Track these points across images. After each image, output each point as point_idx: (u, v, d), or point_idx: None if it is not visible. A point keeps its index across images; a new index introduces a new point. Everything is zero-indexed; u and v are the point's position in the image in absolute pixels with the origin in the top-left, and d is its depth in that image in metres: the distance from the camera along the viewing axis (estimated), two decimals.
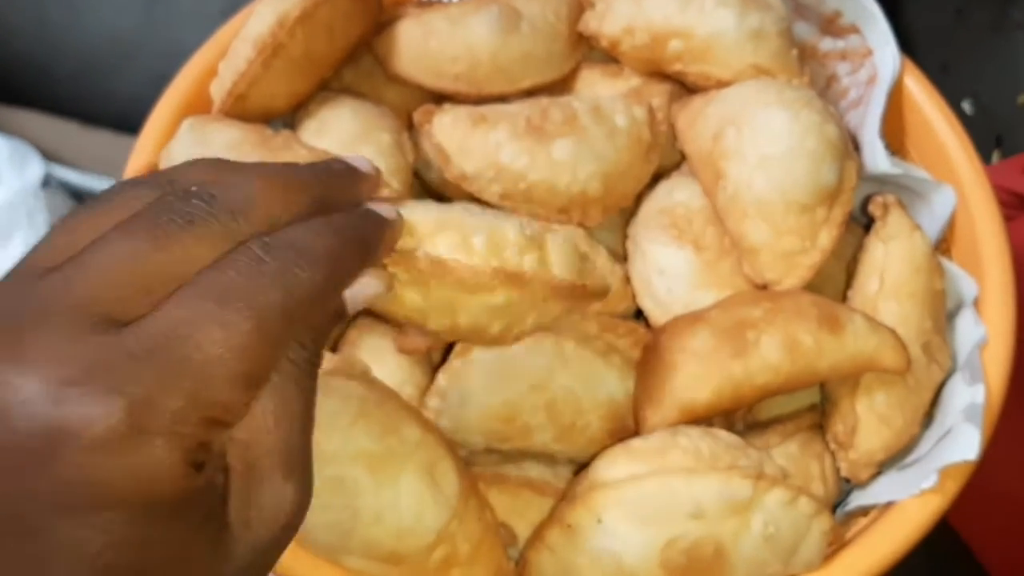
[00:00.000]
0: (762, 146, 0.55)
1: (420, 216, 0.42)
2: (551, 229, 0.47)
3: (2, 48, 1.39)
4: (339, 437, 0.45)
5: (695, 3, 0.62)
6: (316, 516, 0.45)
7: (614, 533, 0.45)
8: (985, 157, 1.14)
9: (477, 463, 0.56)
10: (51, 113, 1.37)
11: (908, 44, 1.23)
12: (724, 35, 0.61)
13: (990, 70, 1.19)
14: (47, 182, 1.34)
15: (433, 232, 0.41)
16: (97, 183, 1.37)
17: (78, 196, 1.37)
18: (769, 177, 0.54)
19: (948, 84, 1.20)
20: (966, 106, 1.17)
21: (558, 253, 0.43)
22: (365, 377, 0.49)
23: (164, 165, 0.58)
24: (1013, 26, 1.23)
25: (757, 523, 0.45)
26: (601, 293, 0.46)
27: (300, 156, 0.55)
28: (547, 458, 0.56)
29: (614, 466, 0.48)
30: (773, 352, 0.50)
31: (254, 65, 0.59)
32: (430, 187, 0.68)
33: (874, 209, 0.57)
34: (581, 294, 0.44)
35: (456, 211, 0.43)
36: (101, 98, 1.49)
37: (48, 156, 1.35)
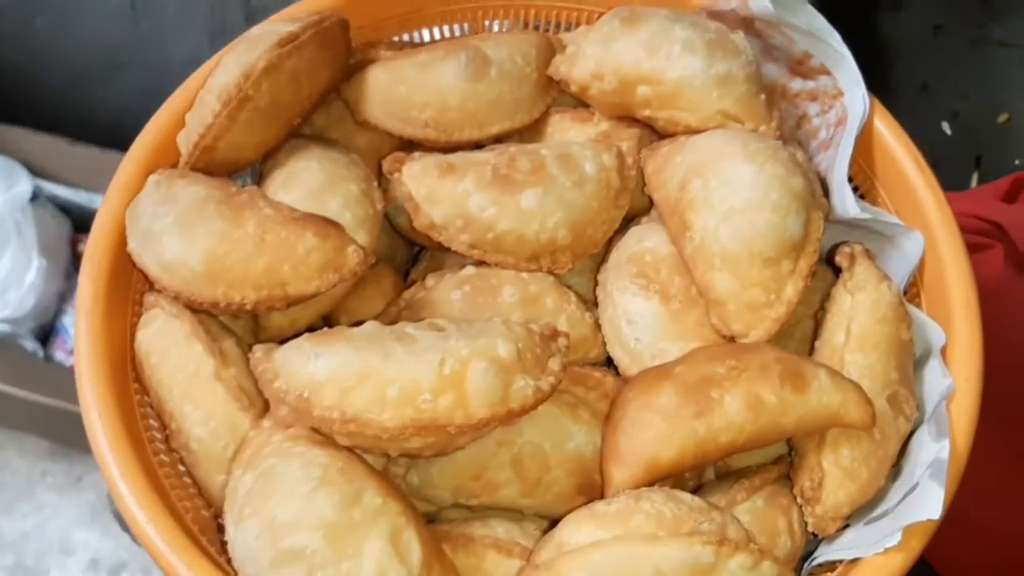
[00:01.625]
0: (727, 198, 0.55)
1: (340, 368, 0.47)
2: (477, 355, 0.48)
3: None
4: (298, 505, 0.45)
5: (663, 49, 0.62)
6: None
7: None
8: (964, 177, 1.14)
9: (445, 519, 0.56)
10: (39, 125, 1.37)
11: (886, 63, 1.24)
12: (691, 81, 0.61)
13: (970, 89, 1.20)
14: (35, 197, 1.34)
15: (351, 387, 0.47)
16: (84, 198, 1.38)
17: (66, 211, 1.38)
18: (734, 229, 0.55)
19: (928, 104, 1.21)
20: (945, 126, 1.17)
21: (478, 388, 0.47)
22: (329, 442, 0.49)
23: (130, 219, 0.58)
24: (993, 43, 1.23)
25: None
26: (532, 407, 0.49)
27: (264, 214, 0.54)
28: (515, 513, 0.56)
29: (579, 531, 0.48)
30: (736, 411, 0.50)
31: (220, 118, 0.59)
32: (401, 232, 0.68)
33: (841, 260, 0.57)
34: (505, 420, 0.48)
35: (376, 355, 0.47)
36: (89, 109, 1.49)
37: (36, 172, 1.36)
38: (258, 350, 0.51)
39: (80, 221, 1.37)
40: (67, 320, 1.36)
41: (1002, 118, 1.17)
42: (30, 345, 1.32)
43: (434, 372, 0.47)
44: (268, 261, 0.53)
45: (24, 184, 1.33)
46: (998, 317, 0.87)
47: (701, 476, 0.59)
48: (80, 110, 1.41)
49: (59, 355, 1.34)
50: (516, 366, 0.49)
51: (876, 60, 1.24)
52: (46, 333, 1.36)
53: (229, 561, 0.49)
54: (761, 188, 0.55)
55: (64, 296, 1.37)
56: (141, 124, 0.63)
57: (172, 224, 0.55)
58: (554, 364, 0.52)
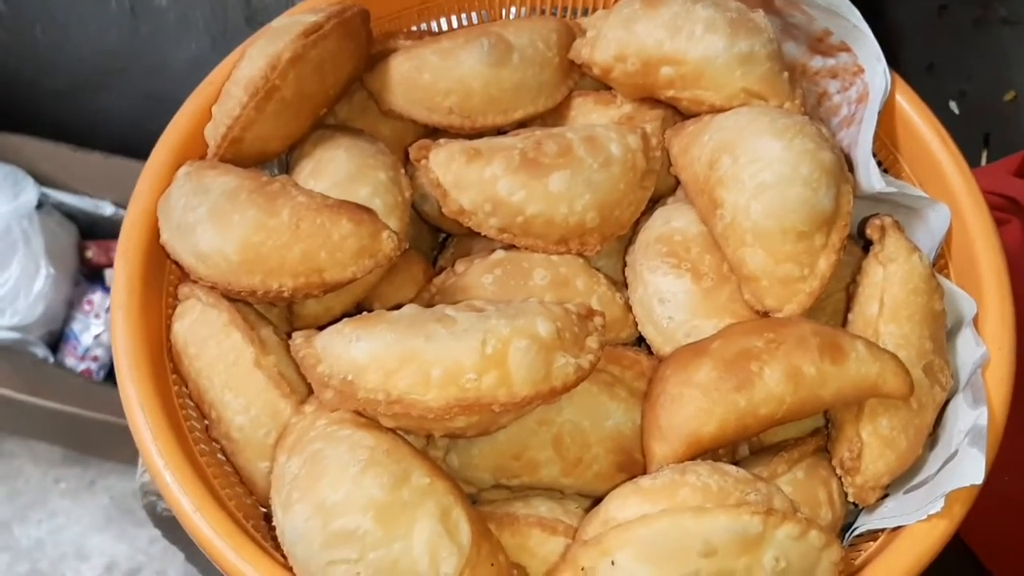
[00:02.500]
0: (757, 174, 0.55)
1: (382, 352, 0.47)
2: (517, 333, 0.49)
3: None
4: (347, 487, 0.45)
5: (685, 29, 0.62)
6: (328, 570, 0.45)
7: (628, 573, 0.45)
8: (974, 156, 1.14)
9: (486, 500, 0.56)
10: (43, 133, 1.37)
11: (892, 44, 1.24)
12: (715, 60, 0.61)
13: (976, 67, 1.20)
14: (41, 205, 1.35)
15: (395, 369, 0.47)
16: (91, 205, 1.38)
17: (72, 217, 1.38)
18: (765, 205, 0.55)
19: (934, 84, 1.21)
20: (953, 106, 1.17)
21: (520, 366, 0.48)
22: (373, 424, 0.49)
23: (162, 212, 0.58)
24: (997, 21, 1.23)
25: (768, 558, 0.45)
26: (574, 384, 0.49)
27: (297, 201, 0.55)
28: (556, 492, 0.56)
29: (625, 506, 0.48)
30: (776, 383, 0.50)
31: (247, 109, 0.59)
32: (428, 219, 0.68)
33: (872, 232, 0.58)
34: (548, 397, 0.48)
35: (419, 338, 0.48)
36: (91, 115, 1.49)
37: (41, 180, 1.36)
38: (298, 336, 0.52)
39: (87, 227, 1.38)
40: (76, 326, 1.36)
41: (1009, 96, 1.17)
42: (40, 352, 1.32)
43: (477, 352, 0.47)
44: (304, 248, 0.53)
45: (30, 192, 1.33)
46: (1018, 290, 0.88)
47: (735, 453, 0.59)
48: (83, 117, 1.41)
49: (69, 361, 1.34)
50: (556, 344, 0.50)
51: (882, 42, 1.24)
52: (56, 340, 1.36)
53: (276, 547, 0.49)
54: (791, 163, 0.55)
55: (73, 303, 1.37)
56: (145, 128, 0.63)
57: (206, 215, 0.55)
58: (592, 342, 0.52)
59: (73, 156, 1.38)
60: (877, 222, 0.58)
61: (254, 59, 0.60)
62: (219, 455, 0.57)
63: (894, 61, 1.28)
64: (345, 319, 0.51)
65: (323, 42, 0.61)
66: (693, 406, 0.51)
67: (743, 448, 0.60)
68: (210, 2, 1.32)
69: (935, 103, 1.22)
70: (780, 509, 0.47)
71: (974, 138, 1.15)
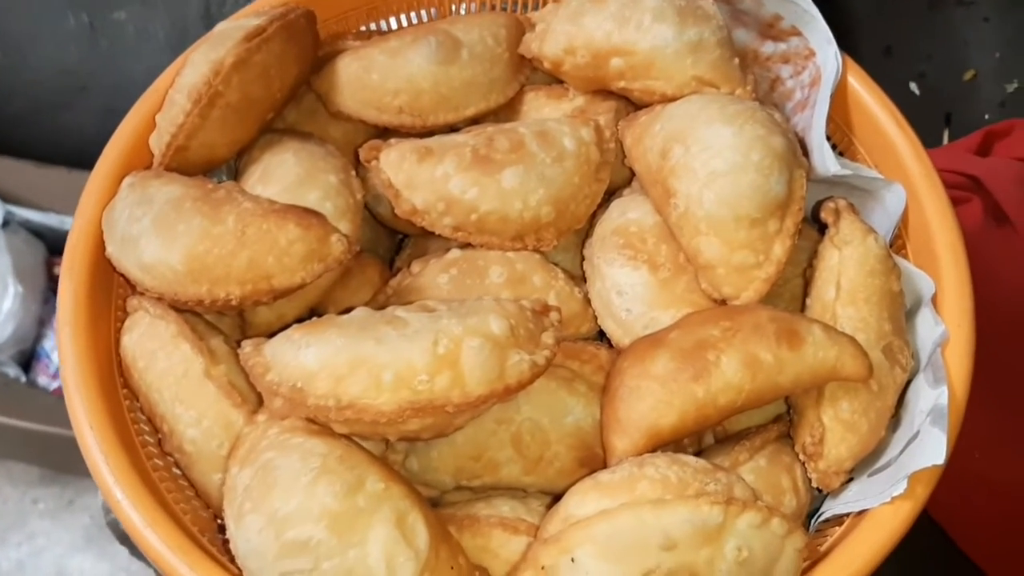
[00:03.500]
0: (709, 162, 0.55)
1: (332, 357, 0.46)
2: (470, 332, 0.48)
3: None
4: (300, 497, 0.44)
5: (633, 19, 0.61)
6: None
7: (588, 570, 0.44)
8: (935, 136, 1.15)
9: (448, 503, 0.55)
10: (5, 152, 1.35)
11: (849, 30, 1.25)
12: (664, 49, 0.61)
13: (934, 49, 1.20)
14: (7, 223, 1.32)
15: (345, 375, 0.46)
16: (57, 221, 1.36)
17: (39, 235, 1.36)
18: (718, 193, 0.54)
19: (894, 67, 1.21)
20: (914, 87, 1.18)
21: (474, 365, 0.47)
22: (326, 431, 0.48)
23: (107, 224, 0.57)
24: (951, 2, 1.24)
25: (730, 548, 0.45)
26: (529, 382, 0.48)
27: (243, 208, 0.54)
28: (519, 492, 0.55)
29: (584, 502, 0.47)
30: (734, 372, 0.50)
31: (191, 116, 0.58)
32: (384, 221, 0.67)
33: (826, 215, 0.57)
34: (503, 396, 0.47)
35: (369, 342, 0.47)
36: (54, 133, 1.47)
37: (6, 198, 1.34)
38: (247, 345, 0.51)
39: (54, 244, 1.35)
40: (48, 344, 1.34)
41: (968, 75, 1.18)
42: (12, 372, 1.30)
43: (428, 353, 0.47)
44: (251, 255, 0.52)
45: None
46: (980, 269, 0.88)
47: (700, 442, 0.59)
48: (45, 135, 1.39)
49: (42, 380, 1.32)
50: (510, 342, 0.49)
51: (837, 27, 1.25)
52: (27, 359, 1.34)
53: (232, 560, 0.48)
54: (742, 150, 0.54)
55: (43, 321, 1.35)
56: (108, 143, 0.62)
57: (150, 225, 0.54)
58: (548, 338, 0.51)
59: (37, 172, 1.36)
60: (831, 205, 0.58)
61: (197, 65, 0.59)
62: (174, 469, 0.56)
63: (852, 46, 1.29)
64: (295, 325, 0.50)
65: (267, 46, 0.60)
66: (652, 398, 0.50)
67: (708, 437, 0.59)
68: (169, 15, 1.31)
69: (895, 85, 1.22)
70: (741, 498, 0.46)
71: (936, 118, 1.15)
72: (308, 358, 0.47)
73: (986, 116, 1.15)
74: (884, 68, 1.21)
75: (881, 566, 0.49)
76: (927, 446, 0.50)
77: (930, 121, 1.16)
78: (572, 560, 0.45)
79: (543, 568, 0.45)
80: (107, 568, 1.36)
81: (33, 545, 1.36)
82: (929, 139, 1.15)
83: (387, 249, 0.71)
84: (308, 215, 0.54)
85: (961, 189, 0.91)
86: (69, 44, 1.28)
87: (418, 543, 0.45)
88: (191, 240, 0.53)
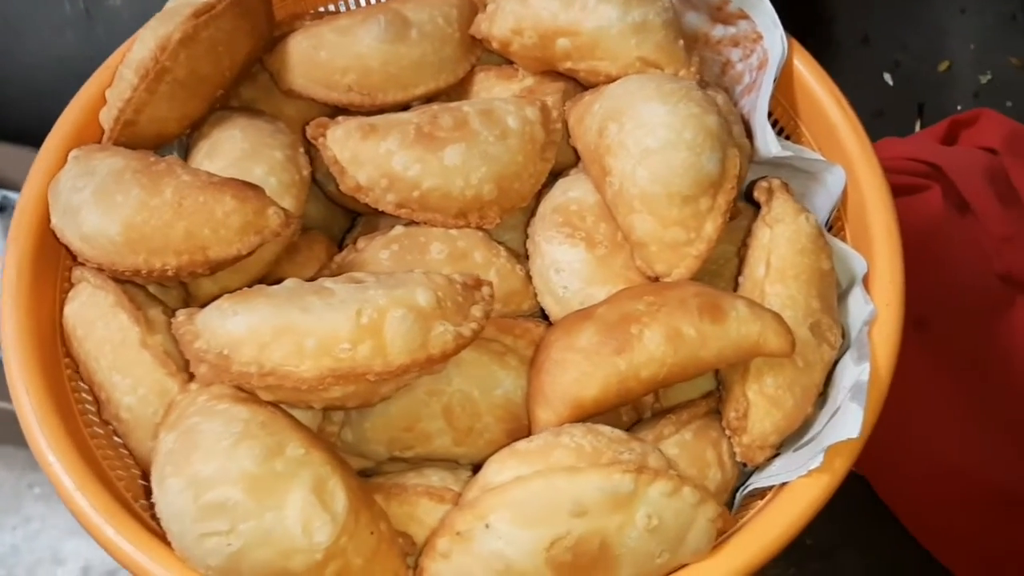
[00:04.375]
0: (642, 140, 0.55)
1: (258, 324, 0.47)
2: (395, 303, 0.49)
3: None
4: (219, 460, 0.45)
5: (579, 1, 0.62)
6: (202, 543, 0.45)
7: (501, 536, 0.45)
8: (908, 126, 1.15)
9: (383, 473, 0.56)
10: (3, 137, 1.36)
11: (827, 17, 1.25)
12: (609, 30, 0.62)
13: (910, 38, 1.20)
14: (3, 208, 1.34)
15: (269, 342, 0.47)
16: None
17: None
18: (651, 170, 0.55)
19: (869, 55, 1.21)
20: (888, 77, 1.18)
21: (396, 334, 0.48)
22: (253, 399, 0.49)
23: (51, 196, 0.58)
24: None
25: (641, 516, 0.46)
26: (453, 352, 0.49)
27: (181, 180, 0.54)
28: (452, 463, 0.56)
29: (502, 469, 0.48)
30: (656, 345, 0.50)
31: (139, 91, 0.59)
32: (335, 200, 0.68)
33: (759, 194, 0.58)
34: (427, 365, 0.48)
35: (294, 310, 0.48)
36: (50, 119, 1.48)
37: (2, 183, 1.35)
38: (181, 314, 0.52)
39: None
40: None
41: (943, 66, 1.18)
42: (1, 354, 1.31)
43: (351, 322, 0.48)
44: (187, 226, 0.53)
45: None
46: (939, 256, 0.89)
47: (641, 414, 0.59)
48: (42, 121, 1.39)
49: None
50: (436, 313, 0.50)
51: (818, 15, 1.25)
52: None
53: (158, 521, 0.49)
54: (675, 128, 0.55)
55: None
56: None
57: (90, 196, 0.55)
58: (476, 311, 0.52)
59: (33, 158, 1.37)
60: (764, 184, 0.58)
61: (145, 41, 0.60)
62: (115, 438, 0.57)
63: (829, 34, 1.29)
64: (226, 295, 0.51)
65: (216, 22, 0.60)
66: (575, 370, 0.51)
67: (646, 413, 0.60)
68: (164, 1, 1.32)
69: (870, 74, 1.22)
70: (653, 467, 0.47)
71: (909, 108, 1.15)
72: (235, 325, 0.48)
73: (959, 107, 1.15)
74: (860, 57, 1.21)
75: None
76: (845, 421, 0.50)
77: (903, 111, 1.16)
78: (487, 526, 0.46)
79: (458, 533, 0.46)
80: (102, 552, 1.36)
81: (28, 529, 1.37)
82: (901, 129, 1.16)
83: (341, 228, 0.71)
84: (245, 188, 0.55)
85: (923, 177, 0.91)
86: (65, 30, 1.29)
87: (336, 507, 0.46)
88: (129, 211, 0.54)
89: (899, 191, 0.92)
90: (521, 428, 0.55)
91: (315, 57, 0.65)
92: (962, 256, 0.88)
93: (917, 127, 1.14)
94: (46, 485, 1.41)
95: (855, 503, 0.85)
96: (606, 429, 0.49)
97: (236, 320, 0.48)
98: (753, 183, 0.60)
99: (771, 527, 0.49)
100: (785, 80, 0.66)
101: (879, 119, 1.17)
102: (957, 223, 0.89)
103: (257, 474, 0.45)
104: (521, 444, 0.49)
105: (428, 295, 0.50)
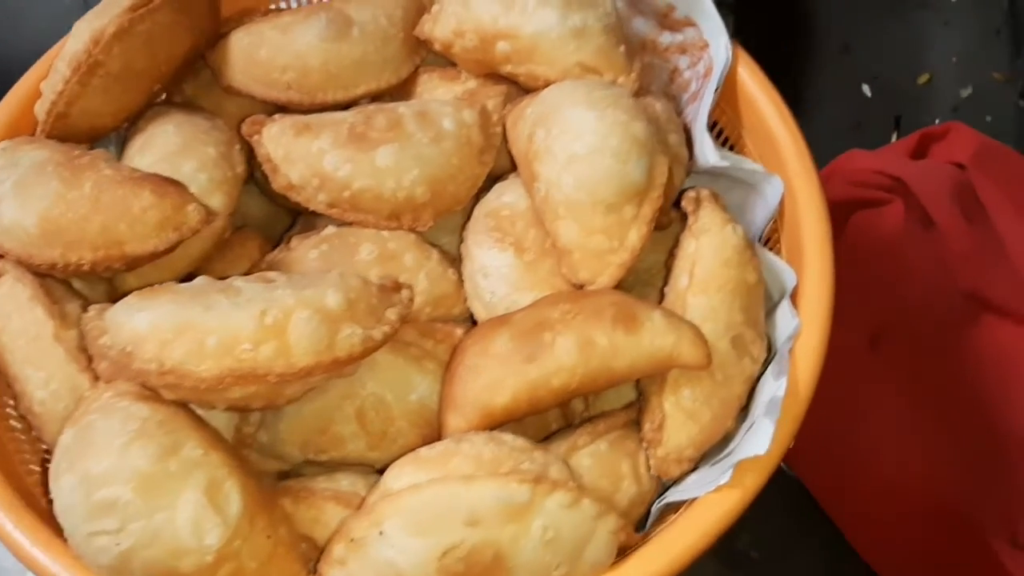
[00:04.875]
0: (568, 145, 0.55)
1: (161, 322, 0.47)
2: (302, 304, 0.48)
3: None
4: (112, 459, 0.45)
5: (519, 3, 0.61)
6: (91, 541, 0.45)
7: (394, 544, 0.45)
8: (884, 138, 1.13)
9: (298, 476, 0.55)
10: None
11: (807, 26, 1.23)
12: (547, 34, 0.61)
13: (890, 50, 1.19)
14: None
15: (171, 340, 0.47)
16: None
17: None
18: (576, 177, 0.54)
19: (848, 65, 1.20)
20: (865, 88, 1.16)
21: (301, 336, 0.47)
22: (155, 397, 0.49)
23: None
24: (914, 5, 1.22)
25: (536, 527, 0.45)
26: (361, 355, 0.49)
27: (103, 175, 0.54)
28: (367, 468, 0.56)
29: (401, 475, 0.47)
30: (567, 354, 0.50)
31: (71, 84, 0.59)
32: (273, 198, 0.68)
33: (686, 204, 0.57)
34: (333, 367, 0.48)
35: (198, 308, 0.47)
36: None
37: None
38: (92, 309, 0.51)
39: None
40: None
41: (923, 79, 1.16)
42: None
43: (255, 322, 0.47)
44: (103, 220, 0.53)
45: None
46: (899, 272, 0.88)
47: (570, 422, 0.59)
48: None
49: None
50: (345, 315, 0.49)
51: (798, 24, 1.24)
52: None
53: None
54: (601, 134, 0.54)
55: None
56: None
57: (11, 188, 0.55)
58: (391, 315, 0.52)
59: None
60: (692, 194, 0.57)
61: (79, 34, 0.60)
62: (33, 433, 0.56)
63: (809, 43, 1.28)
64: (135, 291, 0.51)
65: (152, 16, 0.60)
66: (487, 377, 0.50)
67: (576, 420, 0.59)
68: None
69: (848, 85, 1.21)
70: (553, 478, 0.46)
71: (886, 120, 1.14)
72: (139, 322, 0.48)
73: (937, 120, 1.13)
74: (839, 67, 1.20)
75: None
76: (757, 437, 0.49)
77: (880, 123, 1.15)
78: (380, 533, 0.45)
79: (352, 540, 0.46)
80: None
81: None
82: (878, 141, 1.14)
83: (283, 226, 0.71)
84: (165, 184, 0.55)
85: (887, 191, 0.90)
86: (63, 19, 1.30)
87: (229, 510, 0.46)
88: (47, 203, 0.53)
89: (861, 204, 0.91)
90: (436, 435, 0.54)
91: (255, 54, 0.64)
92: (923, 272, 0.87)
93: (893, 139, 1.12)
94: None
95: (804, 520, 0.83)
96: (508, 438, 0.49)
97: (140, 317, 0.48)
98: (682, 192, 0.59)
99: (675, 542, 0.48)
100: (730, 89, 0.65)
101: (856, 131, 1.16)
102: (919, 238, 0.88)
103: (149, 473, 0.45)
104: (423, 451, 0.48)
105: (338, 297, 0.49)
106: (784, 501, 0.85)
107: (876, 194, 0.88)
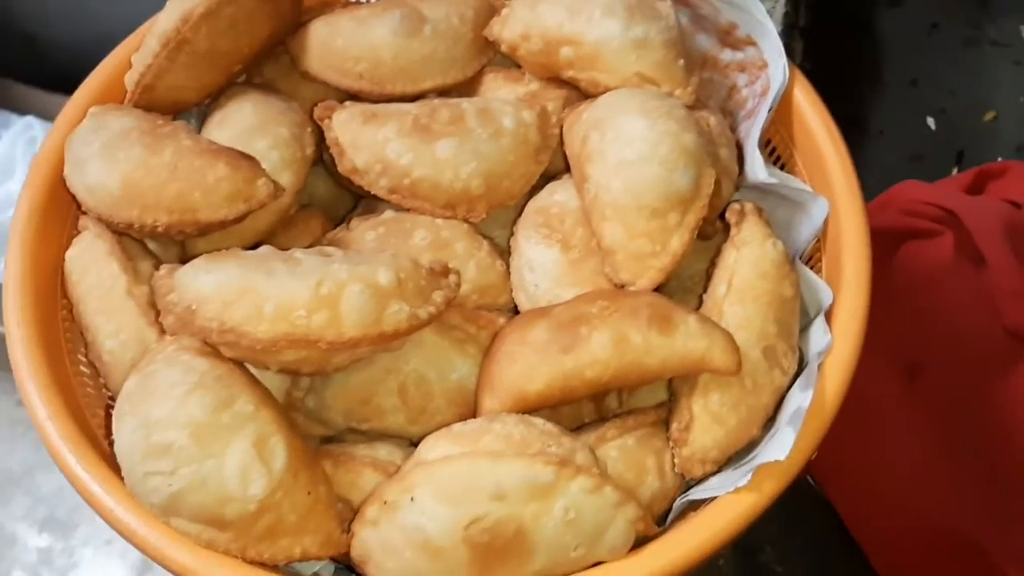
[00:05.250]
0: (620, 151, 0.57)
1: (225, 284, 0.50)
2: (355, 279, 0.51)
3: (45, 31, 1.46)
4: (171, 406, 0.48)
5: (585, 12, 0.64)
6: (146, 480, 0.48)
7: (424, 510, 0.47)
8: (944, 172, 1.14)
9: (341, 442, 0.59)
10: (61, 90, 1.42)
11: (878, 58, 1.24)
12: (609, 43, 0.63)
13: (959, 86, 1.19)
14: None
15: (232, 301, 0.50)
16: None
17: None
18: (624, 181, 0.57)
19: (915, 98, 1.20)
20: (930, 121, 1.17)
21: (352, 308, 0.50)
22: (215, 354, 0.52)
23: (67, 148, 0.62)
24: (986, 42, 1.22)
25: (559, 508, 0.47)
26: (406, 332, 0.51)
27: (182, 145, 0.58)
28: (404, 441, 0.58)
29: (435, 447, 0.50)
30: (602, 348, 0.52)
31: (159, 58, 0.63)
32: (337, 180, 0.71)
33: (730, 216, 0.59)
34: (379, 341, 0.50)
35: (259, 274, 0.50)
36: None
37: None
38: (163, 269, 0.55)
39: None
40: None
41: (988, 116, 1.16)
42: None
43: (310, 292, 0.50)
44: (180, 187, 0.57)
45: (36, 130, 1.38)
46: (943, 304, 0.88)
47: (603, 417, 0.61)
48: None
49: None
50: (394, 293, 0.52)
51: (869, 55, 1.25)
52: None
53: None
54: (651, 142, 0.56)
55: None
56: None
57: (98, 150, 0.59)
58: (437, 297, 0.54)
59: None
60: (736, 207, 0.59)
61: (171, 11, 0.64)
62: (100, 379, 0.60)
63: (879, 74, 1.29)
64: (204, 255, 0.55)
65: (238, 1, 0.64)
66: (523, 363, 0.53)
67: (608, 415, 0.61)
68: None
69: (913, 118, 1.22)
70: (578, 463, 0.48)
71: (948, 154, 1.14)
72: (205, 283, 0.51)
73: (999, 158, 1.14)
74: (906, 99, 1.21)
75: None
76: (778, 443, 0.51)
77: (942, 157, 1.15)
78: (412, 499, 0.48)
79: (386, 503, 0.49)
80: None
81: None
82: (938, 174, 1.15)
83: (346, 208, 0.74)
84: (240, 158, 0.58)
85: (939, 223, 0.91)
86: (143, 3, 1.35)
87: (274, 464, 0.49)
88: (129, 167, 0.57)
89: (912, 234, 0.92)
90: (472, 414, 0.57)
91: (331, 44, 0.68)
92: (968, 306, 0.88)
93: (954, 174, 1.12)
94: None
95: (828, 537, 0.85)
96: (539, 421, 0.51)
97: (207, 278, 0.52)
98: (727, 205, 0.61)
99: (689, 538, 0.50)
100: (785, 110, 0.67)
101: (917, 162, 1.16)
102: (967, 273, 0.89)
103: (204, 422, 0.48)
104: (457, 426, 0.51)
105: (389, 275, 0.52)
106: (811, 519, 0.86)
107: (928, 225, 0.89)
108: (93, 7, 1.40)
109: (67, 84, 1.46)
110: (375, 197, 0.65)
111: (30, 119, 1.38)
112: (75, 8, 1.40)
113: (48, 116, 1.39)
